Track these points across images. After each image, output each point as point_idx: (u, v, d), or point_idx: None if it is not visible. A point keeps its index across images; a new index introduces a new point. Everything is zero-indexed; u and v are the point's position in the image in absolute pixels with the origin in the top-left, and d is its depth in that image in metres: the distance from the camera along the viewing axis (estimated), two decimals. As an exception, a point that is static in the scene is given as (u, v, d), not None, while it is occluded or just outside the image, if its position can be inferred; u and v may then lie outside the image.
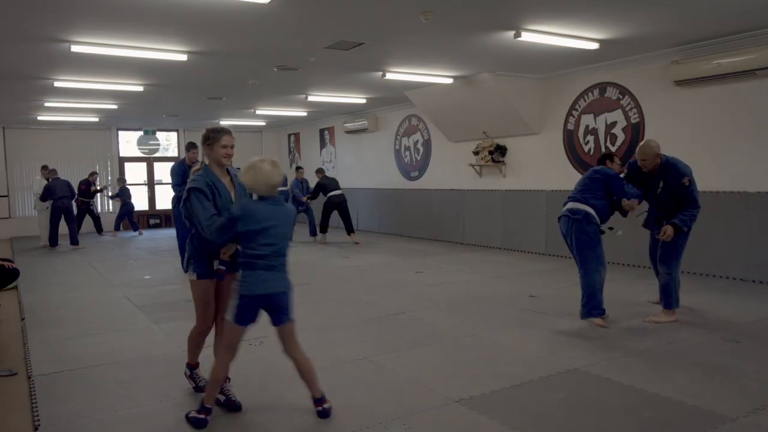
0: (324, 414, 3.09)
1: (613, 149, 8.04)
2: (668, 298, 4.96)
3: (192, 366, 3.58)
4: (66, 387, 3.67)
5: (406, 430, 2.94)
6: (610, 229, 4.94)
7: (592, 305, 4.79)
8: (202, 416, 3.01)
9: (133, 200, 14.31)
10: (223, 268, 3.20)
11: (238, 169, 3.35)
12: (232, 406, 3.24)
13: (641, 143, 5.06)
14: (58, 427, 3.07)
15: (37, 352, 4.38)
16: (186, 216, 3.20)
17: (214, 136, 3.24)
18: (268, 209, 2.98)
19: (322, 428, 3.00)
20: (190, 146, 7.85)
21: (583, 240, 4.80)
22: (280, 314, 3.06)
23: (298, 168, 12.23)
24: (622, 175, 5.06)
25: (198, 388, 3.52)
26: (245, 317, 2.99)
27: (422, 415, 3.13)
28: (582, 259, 4.83)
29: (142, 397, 3.46)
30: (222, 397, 3.26)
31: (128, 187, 14.34)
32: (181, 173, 7.80)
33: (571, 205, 4.93)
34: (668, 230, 4.79)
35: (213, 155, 3.25)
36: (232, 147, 3.27)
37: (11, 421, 3.18)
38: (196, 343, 3.49)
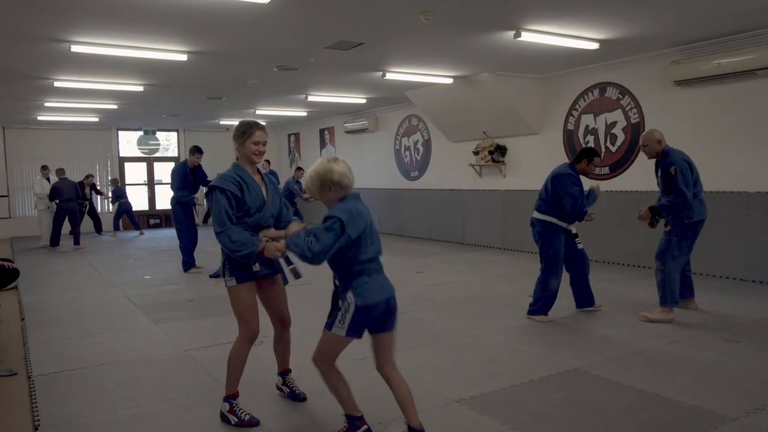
0: None
1: (613, 149, 8.05)
2: (662, 294, 4.96)
3: (232, 397, 3.09)
4: (66, 387, 3.67)
5: (406, 430, 2.94)
6: (575, 234, 5.14)
7: (539, 308, 5.12)
8: (363, 429, 2.74)
9: (131, 199, 14.24)
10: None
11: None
12: (297, 398, 3.33)
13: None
14: (58, 427, 3.07)
15: (37, 352, 4.38)
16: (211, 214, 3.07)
17: (246, 130, 3.01)
18: (362, 205, 2.65)
19: (322, 428, 3.00)
20: (195, 150, 7.89)
21: (544, 250, 5.08)
22: (391, 319, 2.74)
23: (299, 168, 12.14)
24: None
25: (242, 422, 3.04)
26: (360, 329, 2.66)
27: (422, 415, 3.11)
28: (543, 266, 5.11)
29: (142, 397, 3.46)
30: (286, 390, 3.39)
31: (121, 187, 14.31)
32: (182, 176, 7.82)
33: (536, 214, 5.14)
34: (643, 211, 4.94)
35: (243, 151, 3.03)
36: (264, 144, 3.06)
37: (11, 421, 3.18)
38: (241, 359, 3.09)
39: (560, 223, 5.04)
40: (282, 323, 3.30)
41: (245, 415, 3.05)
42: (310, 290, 6.67)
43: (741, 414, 3.06)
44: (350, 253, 2.60)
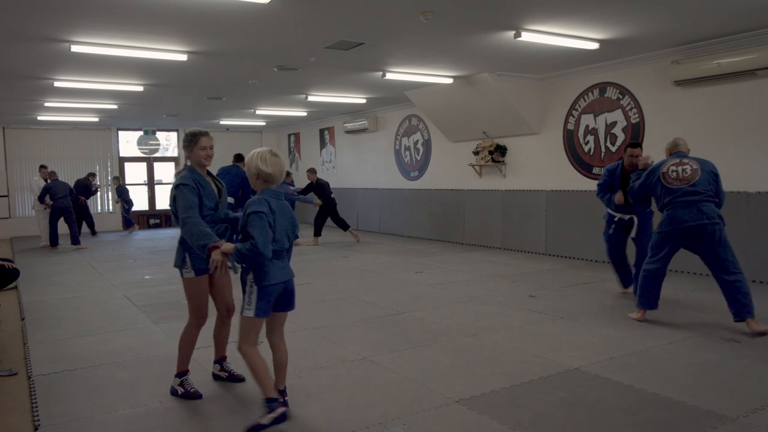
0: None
1: (613, 149, 8.05)
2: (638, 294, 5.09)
3: (183, 373, 3.48)
4: (66, 387, 3.67)
5: (406, 430, 2.94)
6: (625, 224, 5.78)
7: (619, 278, 6.05)
8: (280, 411, 2.85)
9: (131, 198, 14.66)
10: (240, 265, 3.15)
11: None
12: (236, 379, 3.65)
13: None
14: (58, 427, 3.07)
15: (37, 352, 4.38)
16: (173, 212, 3.35)
17: (192, 139, 3.35)
18: (276, 202, 3.00)
19: (322, 428, 3.00)
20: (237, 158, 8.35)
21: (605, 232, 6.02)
22: (291, 300, 3.13)
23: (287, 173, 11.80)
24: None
25: (188, 393, 3.42)
26: (267, 309, 3.00)
27: (422, 415, 3.13)
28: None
29: (142, 397, 3.46)
30: (224, 374, 3.69)
31: (123, 185, 14.65)
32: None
33: None
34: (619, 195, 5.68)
35: (193, 157, 3.36)
36: (211, 148, 3.39)
37: (11, 421, 3.19)
38: (192, 342, 3.49)
39: (610, 211, 5.84)
40: (227, 311, 3.64)
41: (191, 388, 3.43)
42: (310, 290, 6.68)
43: (741, 414, 3.07)
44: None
